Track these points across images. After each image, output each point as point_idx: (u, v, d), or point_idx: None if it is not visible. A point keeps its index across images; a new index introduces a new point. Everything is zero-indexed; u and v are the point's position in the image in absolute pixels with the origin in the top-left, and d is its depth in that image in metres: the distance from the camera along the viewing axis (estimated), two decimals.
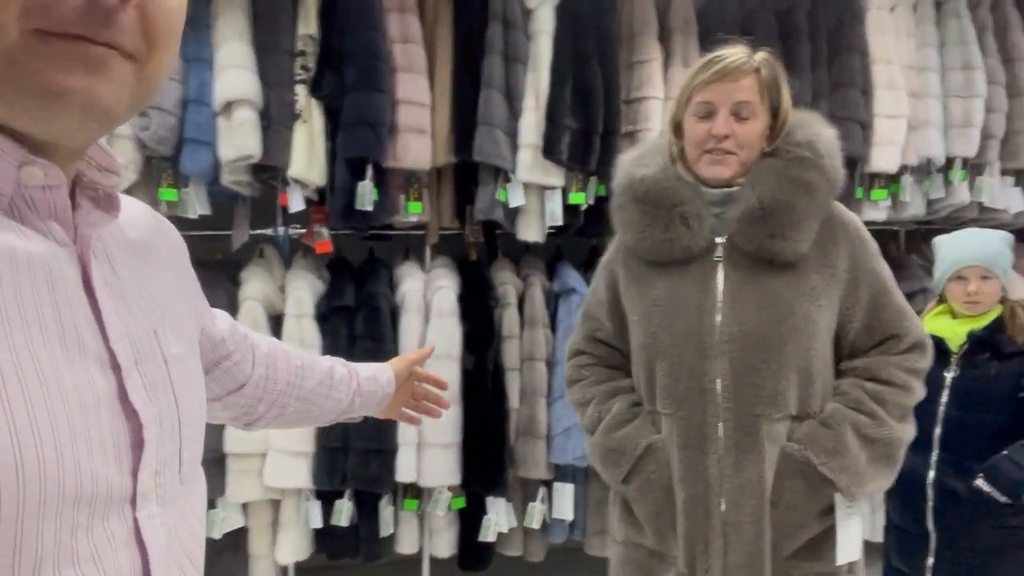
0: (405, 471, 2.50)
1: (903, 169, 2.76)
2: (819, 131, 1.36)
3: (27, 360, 0.47)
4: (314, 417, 1.04)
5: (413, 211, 2.54)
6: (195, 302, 0.75)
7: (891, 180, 2.78)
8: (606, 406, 1.45)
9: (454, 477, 2.57)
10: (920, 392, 1.37)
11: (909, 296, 2.90)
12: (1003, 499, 1.83)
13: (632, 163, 1.44)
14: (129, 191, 2.42)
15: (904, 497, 2.02)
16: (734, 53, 1.30)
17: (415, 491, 2.60)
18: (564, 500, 2.64)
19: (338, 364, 1.07)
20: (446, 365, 2.55)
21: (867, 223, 2.94)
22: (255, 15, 2.37)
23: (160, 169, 2.33)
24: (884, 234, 3.18)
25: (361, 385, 1.07)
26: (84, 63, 0.47)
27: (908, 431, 1.36)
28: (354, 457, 2.50)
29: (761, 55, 1.33)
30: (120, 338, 0.54)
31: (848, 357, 1.38)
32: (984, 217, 2.93)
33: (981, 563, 1.87)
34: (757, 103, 1.30)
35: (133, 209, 0.66)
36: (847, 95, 2.66)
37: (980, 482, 1.85)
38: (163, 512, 0.56)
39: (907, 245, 3.20)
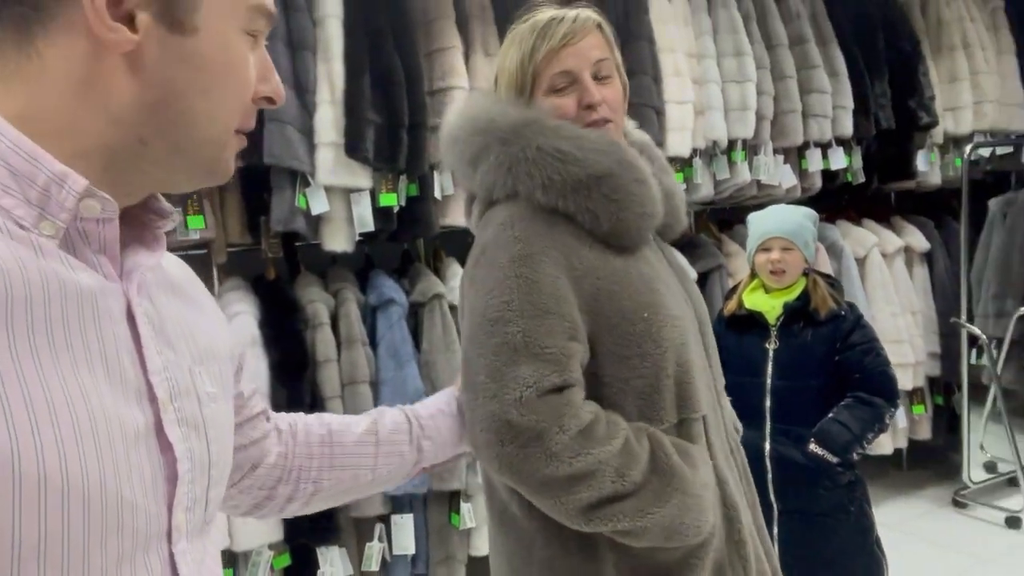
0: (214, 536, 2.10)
1: (694, 152, 2.88)
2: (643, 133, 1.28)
3: (75, 390, 0.49)
4: (369, 481, 0.95)
5: (194, 227, 2.13)
6: (230, 348, 0.75)
7: (684, 164, 2.89)
8: (652, 454, 1.02)
9: (275, 533, 2.22)
10: None
11: (705, 275, 3.08)
12: (834, 460, 1.92)
13: (529, 138, 1.07)
14: None
15: None
16: (566, 12, 1.09)
17: (228, 558, 2.21)
18: (405, 533, 2.40)
19: (389, 413, 0.98)
20: None
21: None
22: None
23: None
24: None
25: (424, 427, 0.98)
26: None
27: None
28: None
29: (594, 12, 1.12)
30: (158, 372, 0.56)
31: None
32: (761, 194, 3.16)
33: (821, 523, 1.95)
34: (611, 59, 1.11)
35: (169, 253, 0.70)
36: (640, 82, 2.70)
37: (813, 447, 1.93)
38: (192, 548, 0.58)
39: (696, 225, 3.37)
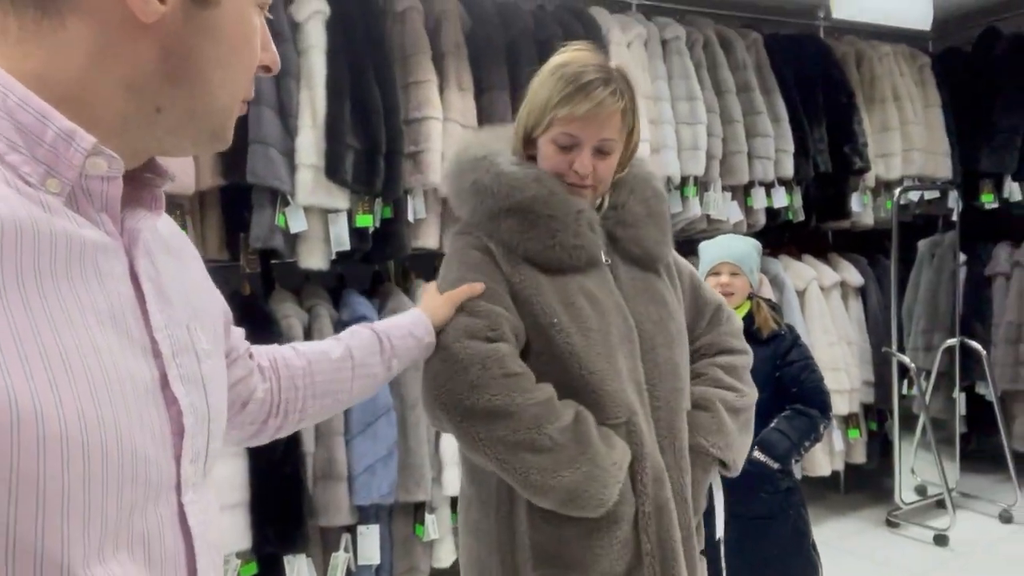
0: None
1: None
2: (644, 158, 1.46)
3: (87, 344, 0.50)
4: (346, 401, 1.05)
5: None
6: (220, 304, 0.79)
7: None
8: (559, 426, 1.18)
9: (243, 541, 2.27)
10: (750, 350, 1.50)
11: None
12: (775, 466, 2.08)
13: (490, 164, 1.27)
14: None
15: None
16: (600, 85, 1.21)
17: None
18: (370, 543, 2.47)
19: (360, 333, 1.06)
20: None
21: None
22: None
23: None
24: None
25: (395, 347, 1.06)
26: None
27: (755, 391, 1.44)
28: None
29: (624, 82, 1.25)
30: (161, 329, 0.57)
31: (692, 340, 1.41)
32: (711, 228, 3.37)
33: (760, 527, 2.11)
34: (617, 140, 1.26)
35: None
36: None
37: (757, 454, 2.09)
38: (198, 499, 0.60)
39: None
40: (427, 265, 2.94)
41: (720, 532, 1.46)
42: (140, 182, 0.61)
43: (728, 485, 2.08)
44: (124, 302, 0.55)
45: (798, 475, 3.47)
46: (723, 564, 1.81)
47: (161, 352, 0.57)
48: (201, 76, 0.57)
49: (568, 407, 1.18)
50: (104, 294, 0.53)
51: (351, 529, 2.46)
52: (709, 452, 1.31)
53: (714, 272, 2.23)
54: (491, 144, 1.31)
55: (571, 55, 1.27)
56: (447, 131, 2.60)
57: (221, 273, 2.53)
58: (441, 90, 2.63)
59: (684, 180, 3.19)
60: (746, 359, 1.46)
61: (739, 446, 1.37)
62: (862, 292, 3.77)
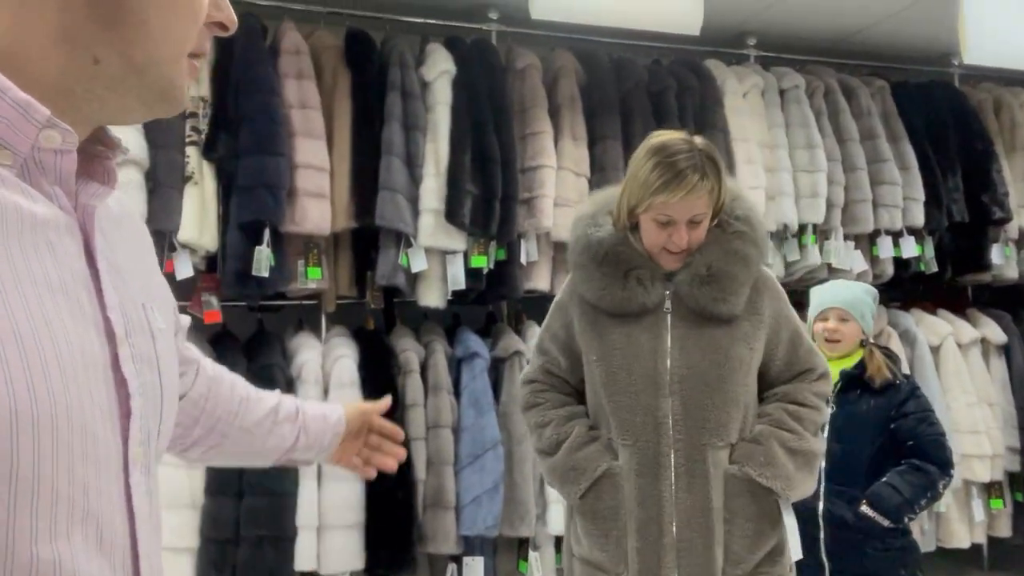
0: (305, 559, 2.30)
1: None
2: (751, 205, 1.60)
3: (39, 319, 0.48)
4: (256, 453, 1.00)
5: (312, 277, 2.44)
6: (168, 288, 0.76)
7: None
8: (564, 428, 1.58)
9: (358, 560, 2.40)
10: (826, 412, 1.63)
11: None
12: (886, 523, 1.97)
13: (587, 223, 1.58)
14: None
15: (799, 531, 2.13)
16: (689, 170, 1.43)
17: None
18: (475, 574, 2.53)
19: (287, 400, 1.02)
20: None
21: None
22: None
23: None
24: None
25: (308, 423, 1.02)
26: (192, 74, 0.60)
27: (821, 444, 1.60)
28: (246, 548, 2.27)
29: (708, 163, 1.46)
30: (115, 307, 0.56)
31: (770, 387, 1.60)
32: (832, 277, 3.26)
33: None
34: (707, 211, 1.49)
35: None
36: None
37: (865, 508, 1.99)
38: (144, 481, 0.58)
39: None
40: (538, 307, 3.03)
41: (795, 555, 1.54)
42: (92, 155, 0.59)
43: (834, 540, 2.01)
44: (77, 278, 0.53)
45: (932, 545, 3.21)
46: None
47: (114, 332, 0.55)
48: (137, 18, 0.54)
49: (562, 426, 1.59)
50: (57, 269, 0.51)
51: (457, 559, 2.54)
52: (754, 479, 1.47)
53: (822, 317, 2.17)
54: (600, 206, 1.59)
55: (664, 139, 1.49)
56: (560, 179, 2.73)
57: (349, 309, 2.76)
58: (556, 140, 2.77)
59: (803, 228, 3.13)
60: (817, 415, 1.57)
61: (792, 479, 1.49)
62: (1006, 350, 3.49)
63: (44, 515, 0.48)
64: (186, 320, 0.87)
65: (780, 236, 3.12)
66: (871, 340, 2.18)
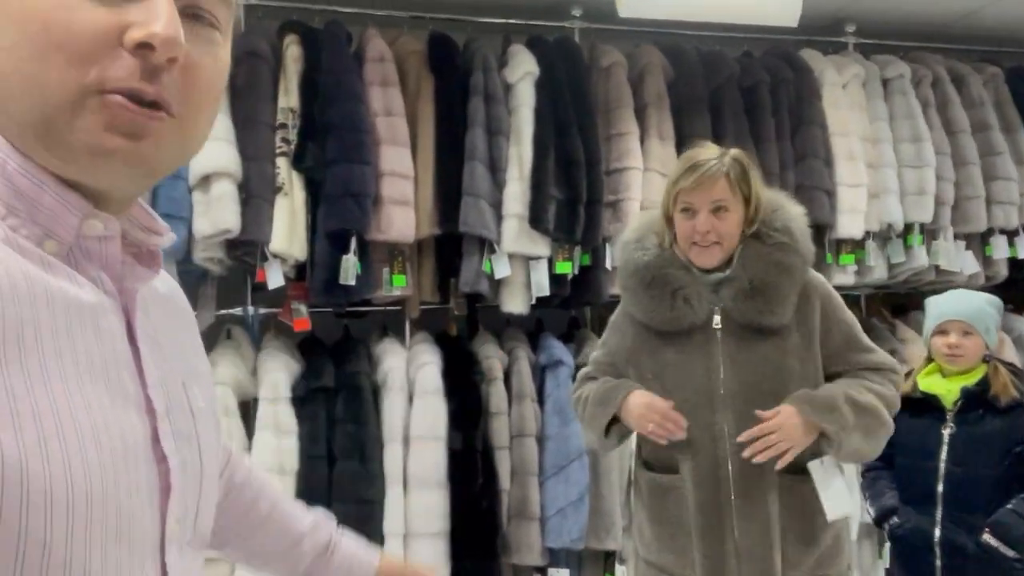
0: None
1: (867, 235, 2.87)
2: (792, 215, 1.63)
3: (79, 401, 0.49)
4: (271, 561, 0.90)
5: (398, 284, 2.44)
6: (208, 365, 0.75)
7: (856, 246, 2.88)
8: (594, 385, 1.71)
9: (443, 569, 2.39)
10: (894, 402, 1.60)
11: None
12: (1011, 553, 1.82)
13: (633, 247, 1.66)
14: None
15: (911, 558, 1.99)
16: (707, 160, 1.56)
17: None
18: None
19: (323, 532, 0.91)
20: (432, 447, 2.42)
21: (837, 287, 3.03)
22: (235, 88, 2.30)
23: None
24: (847, 299, 3.28)
25: (331, 564, 0.91)
26: (129, 124, 0.51)
27: (887, 418, 1.57)
28: None
29: (730, 157, 1.57)
30: (156, 386, 0.57)
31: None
32: (940, 279, 3.06)
33: None
34: (731, 199, 1.55)
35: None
36: (812, 165, 2.78)
37: (987, 537, 1.85)
38: (182, 560, 0.58)
39: (867, 309, 3.30)
40: None
41: (835, 513, 1.53)
42: (135, 239, 0.60)
43: (952, 568, 1.87)
44: (120, 358, 0.54)
45: None
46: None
47: (154, 409, 0.56)
48: None
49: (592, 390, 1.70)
50: (100, 350, 0.53)
51: (542, 571, 2.50)
52: (810, 420, 1.50)
53: (941, 331, 2.02)
54: (644, 228, 1.67)
55: (694, 151, 1.61)
56: (647, 180, 2.64)
57: (429, 315, 2.76)
58: (642, 140, 2.68)
59: (908, 227, 2.93)
60: (884, 389, 1.57)
61: (848, 427, 1.51)
62: None
63: None
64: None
65: (884, 236, 2.93)
66: (994, 355, 2.01)
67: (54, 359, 0.49)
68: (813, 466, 1.54)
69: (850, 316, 1.65)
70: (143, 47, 0.50)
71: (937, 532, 1.92)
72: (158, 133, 0.52)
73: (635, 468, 1.75)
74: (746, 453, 1.49)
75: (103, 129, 0.50)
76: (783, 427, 1.48)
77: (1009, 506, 1.86)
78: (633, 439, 1.76)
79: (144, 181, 0.56)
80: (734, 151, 1.60)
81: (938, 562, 1.92)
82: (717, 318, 1.56)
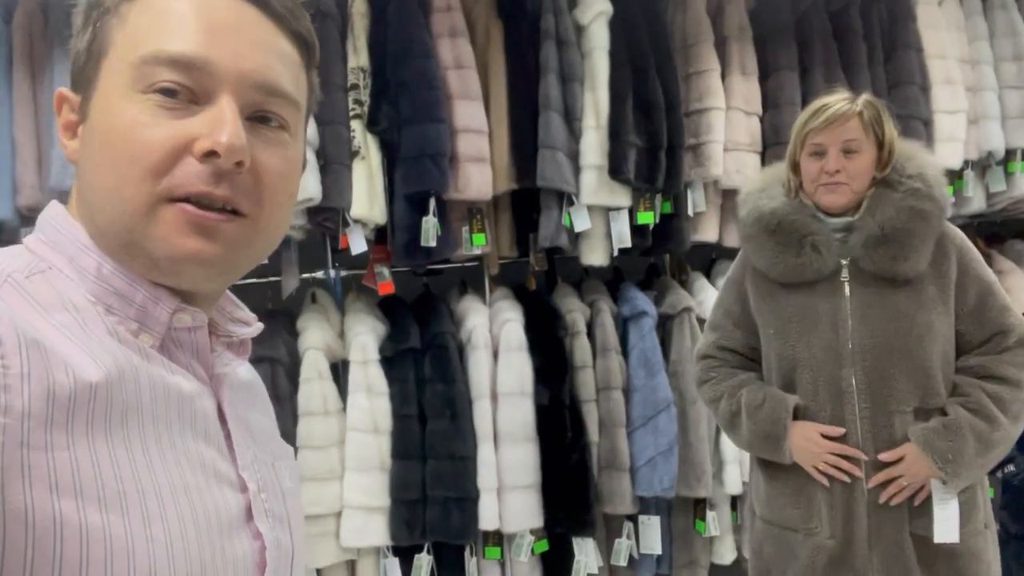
0: (488, 518, 2.36)
1: (965, 164, 2.71)
2: (926, 161, 1.57)
3: (179, 484, 0.53)
4: None
5: (478, 243, 2.41)
6: (289, 449, 0.77)
7: (954, 175, 2.72)
8: (736, 399, 1.64)
9: (536, 520, 2.44)
10: None
11: None
12: None
13: (758, 196, 1.62)
14: None
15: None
16: (838, 100, 1.52)
17: (496, 538, 2.47)
18: (652, 534, 2.52)
19: None
20: (520, 402, 2.43)
21: None
22: None
23: None
24: None
25: None
26: (199, 229, 0.54)
27: (1018, 429, 1.50)
28: (434, 508, 2.36)
29: (863, 99, 1.54)
30: (247, 466, 0.61)
31: (962, 353, 1.55)
32: None
33: None
34: (863, 139, 1.51)
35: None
36: (907, 93, 2.60)
37: None
38: None
39: None
40: (702, 256, 2.88)
41: (943, 537, 1.47)
42: (228, 331, 0.65)
43: None
44: (212, 440, 0.58)
45: None
46: None
47: (248, 488, 0.59)
48: (88, 187, 0.56)
49: (734, 396, 1.65)
50: (194, 435, 0.56)
51: (633, 518, 2.53)
52: (931, 467, 1.46)
53: None
54: (770, 179, 1.64)
55: (823, 97, 1.56)
56: (730, 120, 2.51)
57: (509, 269, 2.73)
58: (723, 77, 2.54)
59: (1010, 153, 2.75)
60: (1020, 394, 1.50)
61: (969, 472, 1.47)
62: None
63: None
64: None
65: (983, 164, 2.76)
66: None
67: (154, 442, 0.52)
68: (935, 484, 1.49)
69: (989, 274, 1.56)
70: (210, 155, 0.53)
71: None
72: (231, 234, 0.55)
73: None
74: (881, 499, 1.49)
75: (177, 233, 0.53)
76: (908, 472, 1.47)
77: None
78: None
79: (222, 279, 0.59)
80: (866, 95, 1.55)
81: None
82: (845, 269, 1.52)
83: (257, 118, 0.57)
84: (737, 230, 1.68)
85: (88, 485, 0.47)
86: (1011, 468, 1.96)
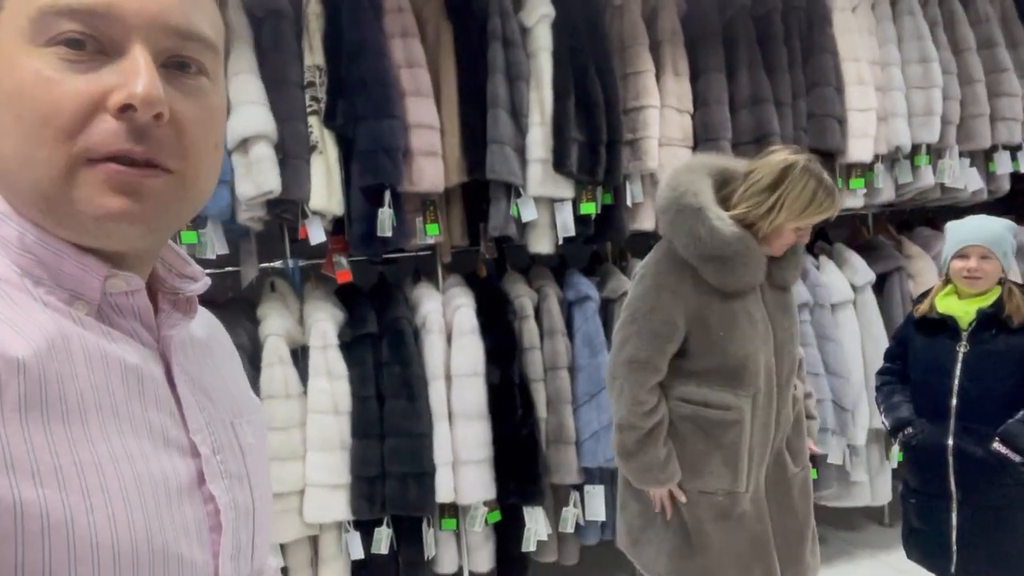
0: (445, 491, 2.52)
1: (876, 158, 2.97)
2: None
3: (121, 452, 0.51)
4: None
5: (431, 233, 2.55)
6: (256, 400, 0.75)
7: (865, 169, 2.98)
8: (666, 449, 1.85)
9: (489, 492, 2.60)
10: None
11: (884, 276, 3.16)
12: (1018, 459, 2.01)
13: (702, 214, 1.74)
14: None
15: (924, 464, 2.17)
16: (833, 204, 1.79)
17: (452, 510, 2.62)
18: (596, 502, 2.71)
19: None
20: (472, 383, 2.59)
21: (846, 210, 3.15)
22: (261, 49, 2.34)
23: None
24: (855, 220, 3.41)
25: None
26: (123, 187, 0.51)
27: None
28: (392, 483, 2.50)
29: None
30: (200, 429, 0.58)
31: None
32: (945, 197, 3.18)
33: (997, 516, 2.04)
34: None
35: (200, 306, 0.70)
36: (823, 93, 2.84)
37: (997, 445, 2.02)
38: None
39: (875, 227, 3.43)
40: (642, 245, 3.07)
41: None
42: (174, 288, 0.61)
43: (964, 472, 2.07)
44: (161, 405, 0.56)
45: None
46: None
47: (200, 452, 0.57)
48: None
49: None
50: (142, 401, 0.54)
51: (579, 488, 2.72)
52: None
53: (961, 255, 2.13)
54: (701, 192, 1.76)
55: (816, 166, 1.76)
56: (664, 117, 2.71)
57: (459, 258, 2.88)
58: (658, 77, 2.73)
59: (916, 148, 3.02)
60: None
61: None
62: None
63: None
64: None
65: (892, 158, 3.03)
66: (1008, 278, 2.14)
67: (95, 413, 0.50)
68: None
69: None
70: (126, 109, 0.50)
71: (950, 442, 2.09)
72: (157, 190, 0.52)
73: (682, 414, 1.82)
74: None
75: (100, 194, 0.50)
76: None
77: (1017, 417, 2.02)
78: (677, 388, 1.84)
79: (153, 237, 0.55)
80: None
81: (950, 469, 2.10)
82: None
83: (174, 65, 0.53)
84: (683, 242, 1.74)
85: (21, 461, 0.45)
86: (910, 430, 2.19)
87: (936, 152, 3.07)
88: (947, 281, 2.20)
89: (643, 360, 1.78)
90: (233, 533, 0.59)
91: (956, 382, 2.10)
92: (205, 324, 0.69)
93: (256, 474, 0.64)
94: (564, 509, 2.71)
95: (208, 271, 2.44)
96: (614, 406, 1.86)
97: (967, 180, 3.09)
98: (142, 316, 0.57)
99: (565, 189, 2.62)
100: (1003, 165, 3.14)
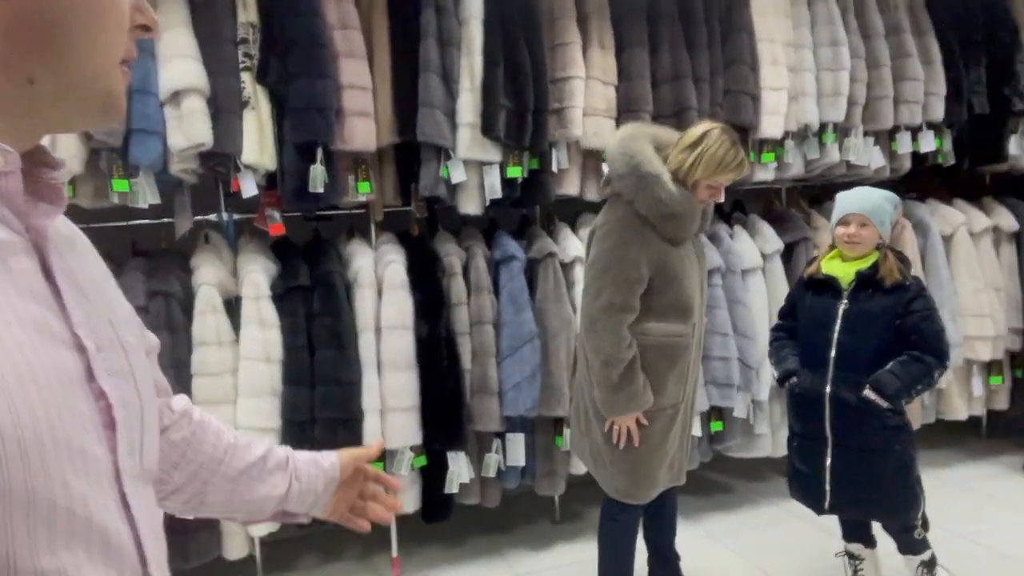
0: (371, 436, 2.66)
1: (786, 135, 3.17)
2: None
3: (10, 342, 0.49)
4: (245, 503, 0.93)
5: (363, 191, 2.66)
6: (129, 306, 0.73)
7: (776, 144, 3.18)
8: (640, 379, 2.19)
9: (416, 437, 2.75)
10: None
11: (792, 245, 3.39)
12: (885, 404, 2.24)
13: (657, 182, 2.09)
14: (74, 183, 2.40)
15: (805, 410, 2.39)
16: (743, 158, 2.17)
17: (380, 454, 2.76)
18: (517, 448, 2.89)
19: (278, 449, 0.98)
20: (401, 335, 2.72)
21: (757, 183, 3.36)
22: (194, 4, 2.39)
23: (111, 160, 2.32)
24: (768, 193, 3.63)
25: (299, 470, 0.97)
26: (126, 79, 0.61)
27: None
28: (320, 427, 2.63)
29: None
30: (82, 323, 0.56)
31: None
32: (851, 173, 3.41)
33: (867, 457, 2.29)
34: None
35: None
36: (739, 71, 3.02)
37: (867, 392, 2.25)
38: (137, 493, 0.59)
39: (787, 200, 3.65)
40: (568, 209, 3.24)
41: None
42: (37, 176, 0.59)
43: (838, 417, 2.30)
44: (40, 298, 0.54)
45: (932, 417, 3.52)
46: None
47: (85, 346, 0.55)
48: (66, 39, 0.54)
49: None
50: (17, 292, 0.52)
51: (501, 435, 2.89)
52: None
53: (843, 222, 2.34)
54: (653, 159, 2.12)
55: (731, 133, 2.15)
56: (589, 88, 2.85)
57: (394, 217, 3.00)
58: (584, 49, 2.87)
59: (823, 126, 3.24)
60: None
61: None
62: (1017, 238, 3.65)
63: (42, 528, 0.49)
64: (155, 341, 0.81)
65: (801, 135, 3.24)
66: (886, 244, 2.36)
67: None
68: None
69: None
70: (145, 28, 0.61)
71: (828, 389, 2.31)
72: None
73: (647, 343, 2.16)
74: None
75: (123, 92, 0.60)
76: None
77: (886, 368, 2.25)
78: (641, 324, 2.16)
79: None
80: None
81: (827, 412, 2.33)
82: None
83: None
84: (647, 204, 2.08)
85: None
86: (795, 380, 2.42)
87: (843, 131, 3.29)
88: (832, 246, 2.42)
89: (619, 304, 2.11)
90: (126, 430, 0.58)
91: (835, 336, 2.32)
92: (65, 222, 0.67)
93: (140, 373, 0.63)
94: (487, 455, 2.88)
95: (142, 221, 2.53)
96: (595, 348, 2.13)
97: (871, 158, 3.32)
98: (11, 202, 0.54)
99: (493, 153, 2.76)
100: (904, 145, 3.38)
